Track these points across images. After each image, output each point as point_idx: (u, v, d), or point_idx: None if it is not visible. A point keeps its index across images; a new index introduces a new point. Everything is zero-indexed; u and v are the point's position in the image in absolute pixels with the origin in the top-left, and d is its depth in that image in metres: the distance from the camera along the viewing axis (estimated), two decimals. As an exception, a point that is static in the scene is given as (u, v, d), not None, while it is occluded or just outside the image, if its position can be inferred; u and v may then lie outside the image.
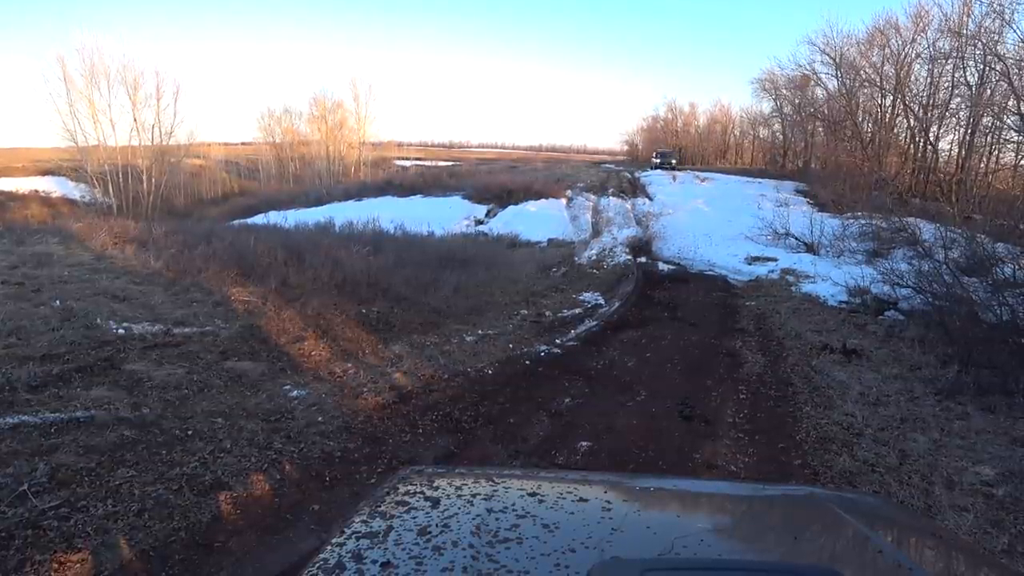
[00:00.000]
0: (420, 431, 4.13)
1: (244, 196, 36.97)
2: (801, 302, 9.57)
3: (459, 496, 1.19)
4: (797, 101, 34.67)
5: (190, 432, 3.64)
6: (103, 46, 31.19)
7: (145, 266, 7.52)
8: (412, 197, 23.45)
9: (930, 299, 8.12)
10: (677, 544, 1.02)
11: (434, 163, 53.01)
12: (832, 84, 29.01)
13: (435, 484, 1.26)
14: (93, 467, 3.18)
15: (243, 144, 56.08)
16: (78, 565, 2.53)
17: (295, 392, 4.42)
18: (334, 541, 1.00)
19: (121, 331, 5.04)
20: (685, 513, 1.38)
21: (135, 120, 33.19)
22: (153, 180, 32.30)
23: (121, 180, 31.60)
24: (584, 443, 4.10)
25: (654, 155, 42.40)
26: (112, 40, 36.49)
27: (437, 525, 1.04)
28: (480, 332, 6.60)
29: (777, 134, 42.88)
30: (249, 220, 18.36)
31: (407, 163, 53.58)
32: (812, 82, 31.34)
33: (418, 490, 1.21)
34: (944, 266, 8.47)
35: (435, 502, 1.15)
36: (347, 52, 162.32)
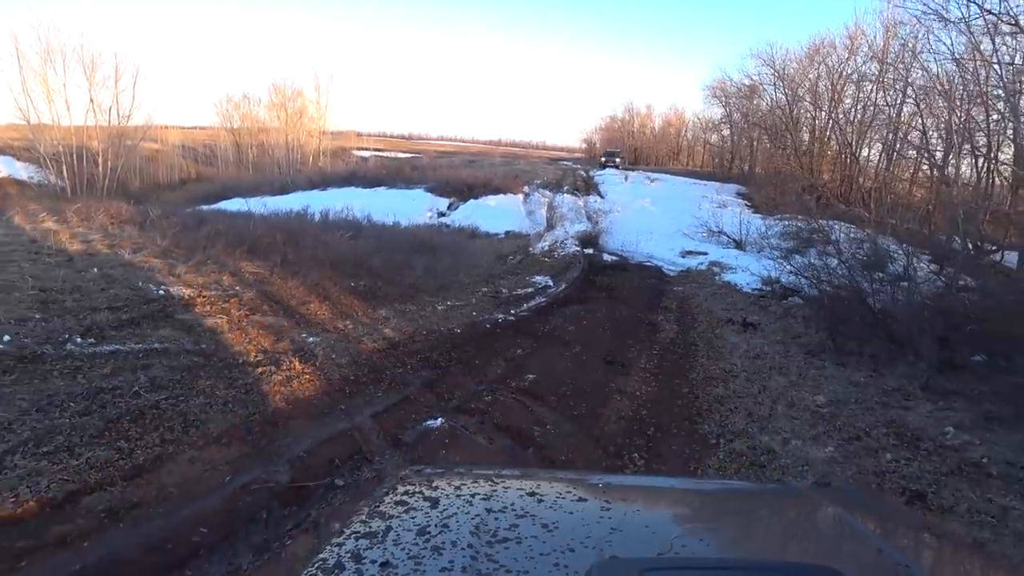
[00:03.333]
0: (409, 366, 5.51)
1: (201, 182, 36.67)
2: (720, 288, 11.27)
3: (458, 496, 1.20)
4: (745, 110, 37.00)
5: (242, 361, 4.94)
6: (59, 24, 30.81)
7: (154, 243, 8.60)
8: (377, 188, 24.45)
9: (817, 287, 9.86)
10: (676, 544, 1.03)
11: (394, 154, 53.27)
12: (776, 95, 31.36)
13: (434, 484, 1.27)
14: (179, 378, 4.46)
15: (198, 128, 54.97)
16: (194, 430, 3.83)
17: (311, 338, 5.74)
18: (333, 541, 1.01)
19: (161, 292, 6.24)
20: (684, 512, 1.39)
21: (92, 101, 32.58)
22: (109, 163, 31.92)
23: (75, 162, 31.13)
24: (530, 376, 5.55)
25: (602, 155, 44.24)
26: (68, 18, 35.77)
27: (436, 525, 1.06)
28: (449, 303, 7.99)
29: (726, 139, 45.17)
30: (219, 206, 19.06)
31: (366, 153, 53.44)
32: (759, 92, 33.70)
33: (417, 490, 1.22)
34: (838, 261, 10.22)
35: (434, 502, 1.16)
36: (306, 38, 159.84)
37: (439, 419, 4.42)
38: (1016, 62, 11.36)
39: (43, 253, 7.45)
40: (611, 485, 1.44)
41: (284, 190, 25.06)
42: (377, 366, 5.39)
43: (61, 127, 31.25)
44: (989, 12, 10.51)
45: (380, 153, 54.34)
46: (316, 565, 0.93)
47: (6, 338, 4.58)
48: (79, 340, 4.75)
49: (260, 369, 4.81)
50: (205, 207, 18.61)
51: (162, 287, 6.37)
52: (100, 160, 31.38)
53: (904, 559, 1.09)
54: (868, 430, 4.99)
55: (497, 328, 7.14)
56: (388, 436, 4.13)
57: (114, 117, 33.32)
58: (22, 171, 32.73)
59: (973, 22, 11.47)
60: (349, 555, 0.95)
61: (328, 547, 0.99)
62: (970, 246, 13.15)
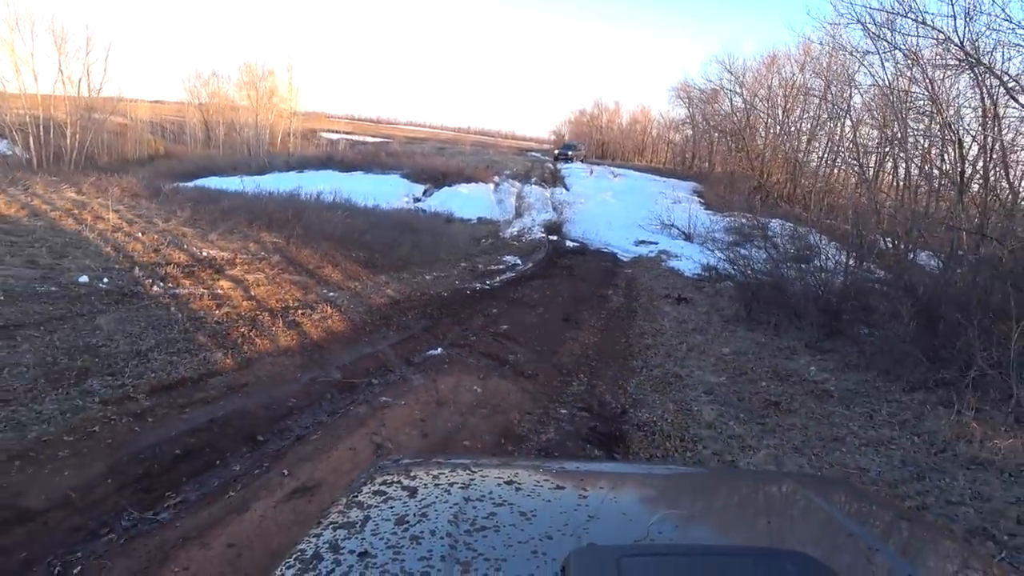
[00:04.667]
0: (409, 316, 7.06)
1: (171, 159, 36.54)
2: (665, 272, 13.08)
3: (436, 485, 1.22)
4: (706, 112, 39.15)
5: (284, 306, 6.42)
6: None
7: (175, 215, 9.89)
8: (354, 173, 25.54)
9: (743, 273, 11.72)
10: (653, 530, 1.05)
11: (362, 138, 53.55)
12: (735, 101, 33.63)
13: (412, 474, 1.29)
14: (244, 314, 5.92)
15: (162, 102, 53.79)
16: (268, 343, 5.32)
17: (332, 293, 7.23)
18: (311, 532, 1.02)
19: (205, 254, 7.62)
20: (660, 500, 1.42)
21: (61, 72, 32.20)
22: (77, 136, 31.72)
23: (41, 133, 30.92)
24: (505, 326, 7.16)
25: (558, 148, 44.34)
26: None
27: (415, 514, 1.07)
28: (435, 274, 9.54)
29: (688, 139, 47.26)
30: (197, 183, 19.69)
31: (335, 136, 53.44)
32: (722, 96, 35.91)
33: (395, 480, 1.25)
34: (767, 254, 12.07)
35: (412, 491, 1.18)
36: (274, 15, 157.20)
37: (438, 349, 6.00)
38: (922, 92, 13.29)
39: (88, 219, 8.70)
40: (588, 473, 1.48)
41: (262, 171, 25.71)
42: (386, 315, 6.93)
43: (28, 96, 30.93)
44: (895, 48, 12.39)
45: (349, 136, 54.35)
46: (294, 556, 0.94)
47: (105, 280, 5.97)
48: (161, 284, 6.17)
49: (300, 311, 6.30)
50: (188, 184, 19.44)
51: (203, 250, 7.76)
52: (68, 133, 31.23)
53: (875, 543, 1.12)
54: (755, 369, 6.74)
55: (476, 293, 8.73)
56: (403, 358, 5.68)
57: (84, 89, 33.03)
58: (-20, 141, 32.27)
59: (896, 52, 13.35)
60: (327, 545, 0.97)
61: (306, 538, 1.00)
62: (889, 244, 15.20)
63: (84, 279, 5.84)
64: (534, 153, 52.77)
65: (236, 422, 4.04)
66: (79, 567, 2.58)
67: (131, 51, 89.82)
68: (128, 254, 6.98)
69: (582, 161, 39.49)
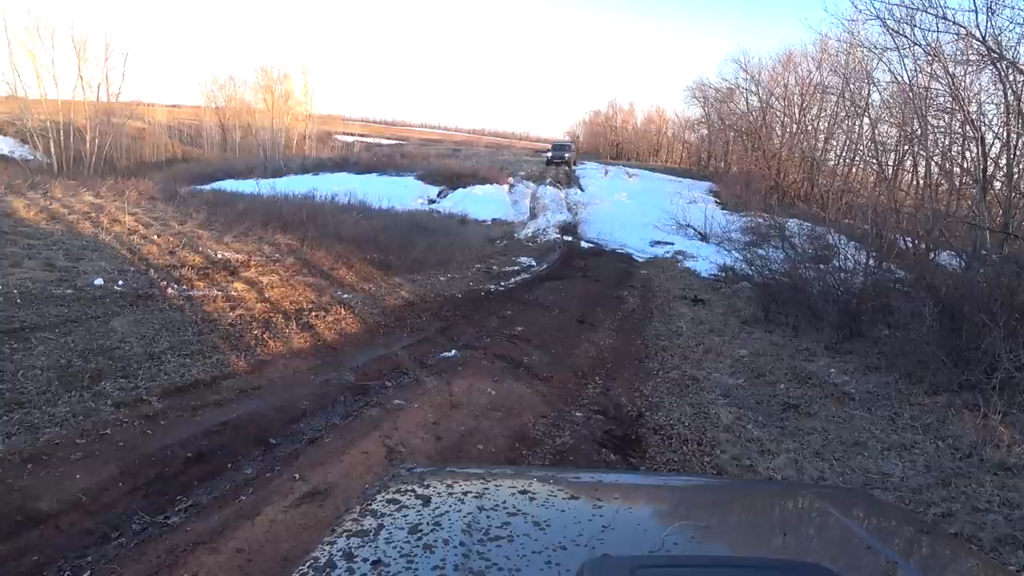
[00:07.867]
0: (424, 319, 7.03)
1: (188, 162, 36.92)
2: (681, 273, 12.95)
3: (450, 494, 1.23)
4: (722, 112, 38.85)
5: (298, 308, 6.41)
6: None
7: (191, 217, 9.95)
8: (369, 175, 25.65)
9: (760, 273, 11.57)
10: (667, 541, 1.05)
11: (377, 140, 53.87)
12: (751, 100, 33.35)
13: (426, 482, 1.29)
14: (258, 316, 5.92)
15: (178, 106, 54.26)
16: (281, 345, 5.30)
17: (346, 295, 7.22)
18: (325, 540, 1.02)
19: (219, 256, 7.65)
20: (675, 510, 1.41)
21: (80, 78, 32.74)
22: (96, 140, 32.09)
23: (62, 138, 31.34)
24: (519, 328, 7.10)
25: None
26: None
27: (428, 523, 1.07)
28: (449, 275, 9.51)
29: (703, 139, 46.94)
30: (215, 186, 19.86)
31: (350, 139, 53.66)
32: (737, 95, 35.61)
33: (409, 488, 1.25)
34: (784, 254, 11.91)
35: (426, 500, 1.19)
36: (288, 18, 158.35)
37: (453, 351, 5.95)
38: (942, 88, 13.04)
39: (104, 222, 8.77)
40: (602, 483, 1.48)
41: (278, 173, 25.88)
42: (400, 317, 6.91)
43: (49, 101, 31.46)
44: (915, 44, 12.15)
45: (364, 139, 54.59)
46: (308, 564, 0.94)
47: (120, 282, 6.00)
48: (176, 286, 6.19)
49: (314, 313, 6.29)
50: (205, 187, 19.61)
51: (218, 252, 7.79)
52: (88, 137, 31.63)
53: (896, 557, 1.11)
54: (773, 371, 6.62)
55: (491, 295, 8.69)
56: (417, 360, 5.64)
57: (103, 94, 33.54)
58: (2, 146, 32.82)
59: (915, 48, 13.14)
60: (341, 553, 0.97)
61: (320, 546, 1.00)
62: (909, 244, 14.95)
63: (99, 282, 5.88)
64: (548, 154, 52.68)
65: (248, 425, 4.02)
66: (88, 571, 2.57)
67: (149, 56, 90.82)
68: (143, 256, 7.02)
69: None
